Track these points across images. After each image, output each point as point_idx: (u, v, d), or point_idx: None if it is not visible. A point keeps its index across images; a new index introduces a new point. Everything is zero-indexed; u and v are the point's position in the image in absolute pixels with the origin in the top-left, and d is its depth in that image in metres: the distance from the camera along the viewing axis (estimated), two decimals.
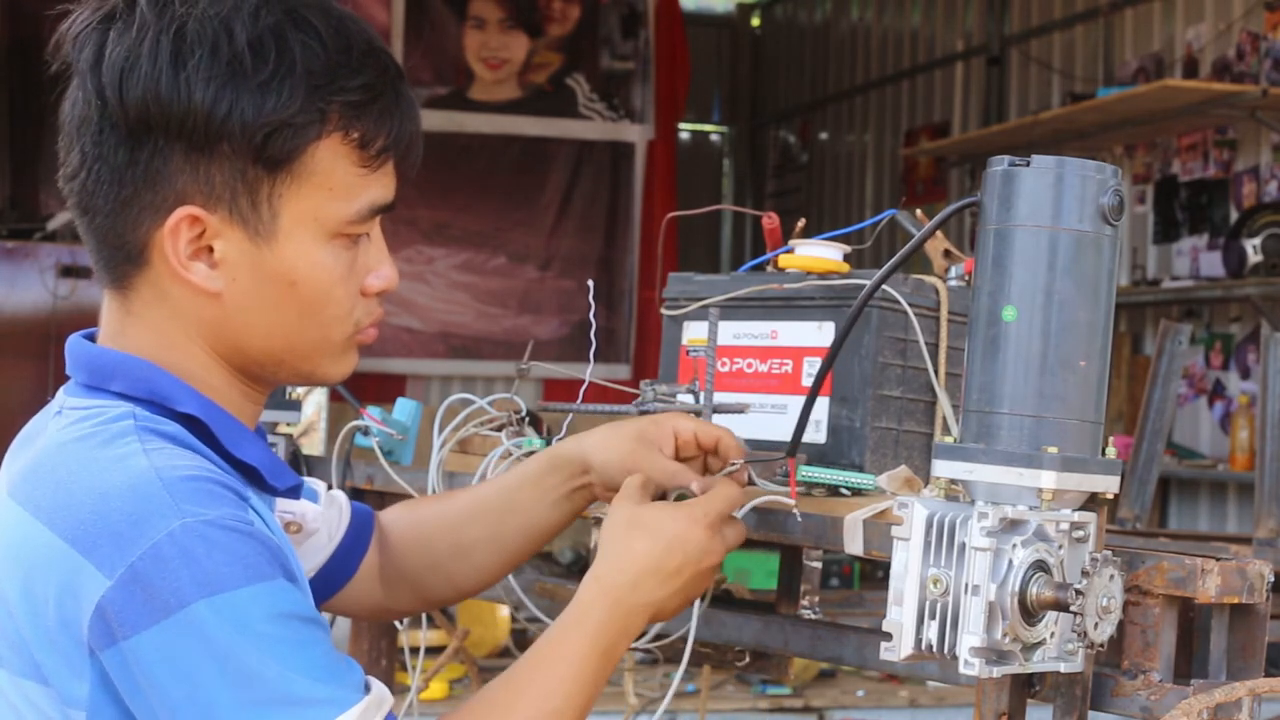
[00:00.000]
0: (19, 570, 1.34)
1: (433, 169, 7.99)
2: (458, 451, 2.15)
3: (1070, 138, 7.18)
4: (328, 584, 1.79)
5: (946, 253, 2.03)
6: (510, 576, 2.03)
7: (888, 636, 1.43)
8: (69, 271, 6.93)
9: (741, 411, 1.88)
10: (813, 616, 2.06)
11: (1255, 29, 6.82)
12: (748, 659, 2.12)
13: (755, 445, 1.83)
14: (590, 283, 2.10)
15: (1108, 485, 1.44)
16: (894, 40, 9.89)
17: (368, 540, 1.82)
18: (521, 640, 2.81)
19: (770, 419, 1.96)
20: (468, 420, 2.13)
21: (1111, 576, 1.42)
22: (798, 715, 5.65)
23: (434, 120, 8.04)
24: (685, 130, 11.40)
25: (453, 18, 8.56)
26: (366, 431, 2.32)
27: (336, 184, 1.42)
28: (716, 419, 1.84)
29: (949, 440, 1.47)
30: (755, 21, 11.91)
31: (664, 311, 2.11)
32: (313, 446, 3.08)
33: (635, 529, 1.56)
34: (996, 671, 1.41)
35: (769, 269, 2.04)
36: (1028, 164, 1.44)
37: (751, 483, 1.74)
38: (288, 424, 2.47)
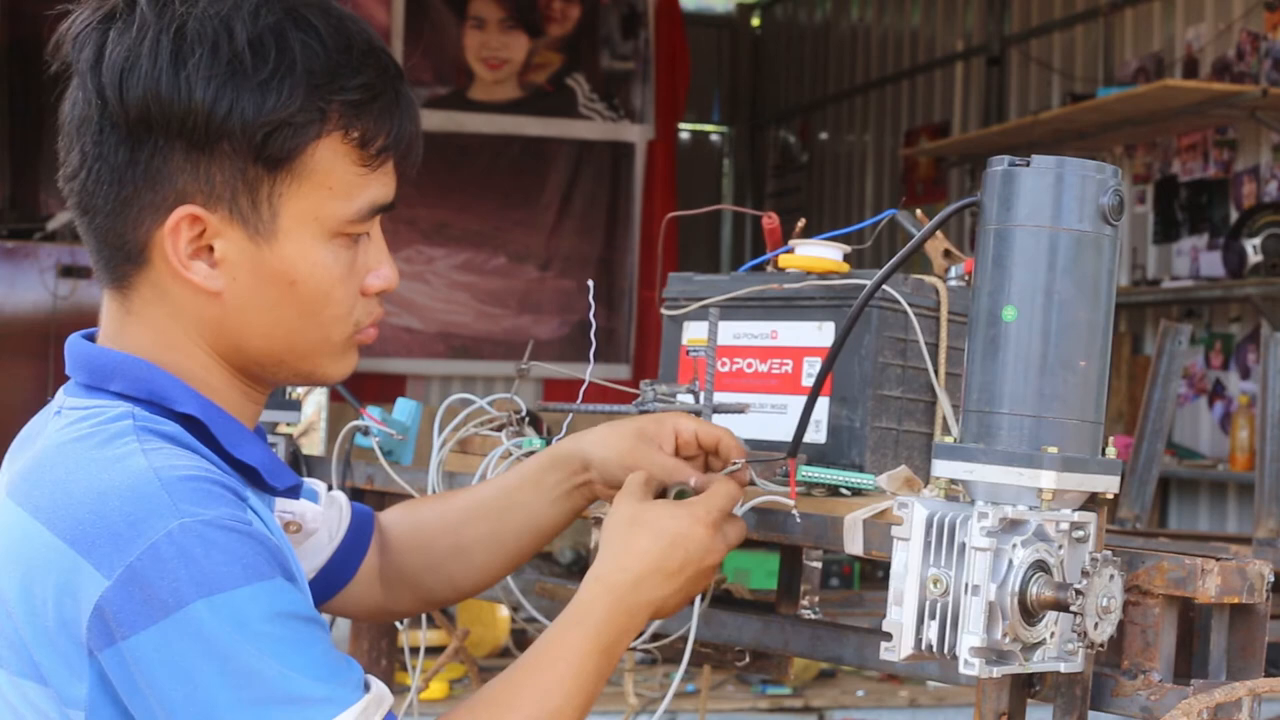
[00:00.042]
0: (18, 570, 1.34)
1: (433, 169, 7.99)
2: (458, 451, 2.15)
3: (1070, 138, 7.18)
4: (328, 585, 1.79)
5: (946, 253, 2.03)
6: (510, 577, 2.02)
7: (888, 636, 1.43)
8: (69, 271, 6.94)
9: (741, 411, 1.88)
10: (813, 616, 2.06)
11: (1255, 29, 6.83)
12: (748, 659, 2.12)
13: (755, 445, 1.83)
14: (590, 283, 2.10)
15: (1108, 485, 1.44)
16: (894, 40, 9.89)
17: (368, 541, 1.82)
18: (521, 640, 2.81)
19: (770, 419, 1.96)
20: (468, 420, 2.13)
21: (1111, 576, 1.42)
22: (798, 715, 5.65)
23: (434, 120, 8.05)
24: (685, 130, 11.41)
25: (453, 18, 8.56)
26: (366, 431, 2.32)
27: (336, 183, 1.42)
28: (716, 419, 1.84)
29: (949, 440, 1.47)
30: (755, 21, 11.92)
31: (664, 311, 2.11)
32: (313, 446, 3.08)
33: (637, 527, 1.57)
34: (996, 671, 1.41)
35: (769, 269, 2.04)
36: (1028, 164, 1.44)
37: (752, 483, 1.74)
38: (288, 424, 2.47)
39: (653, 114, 8.84)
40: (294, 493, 1.54)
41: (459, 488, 2.02)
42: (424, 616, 2.20)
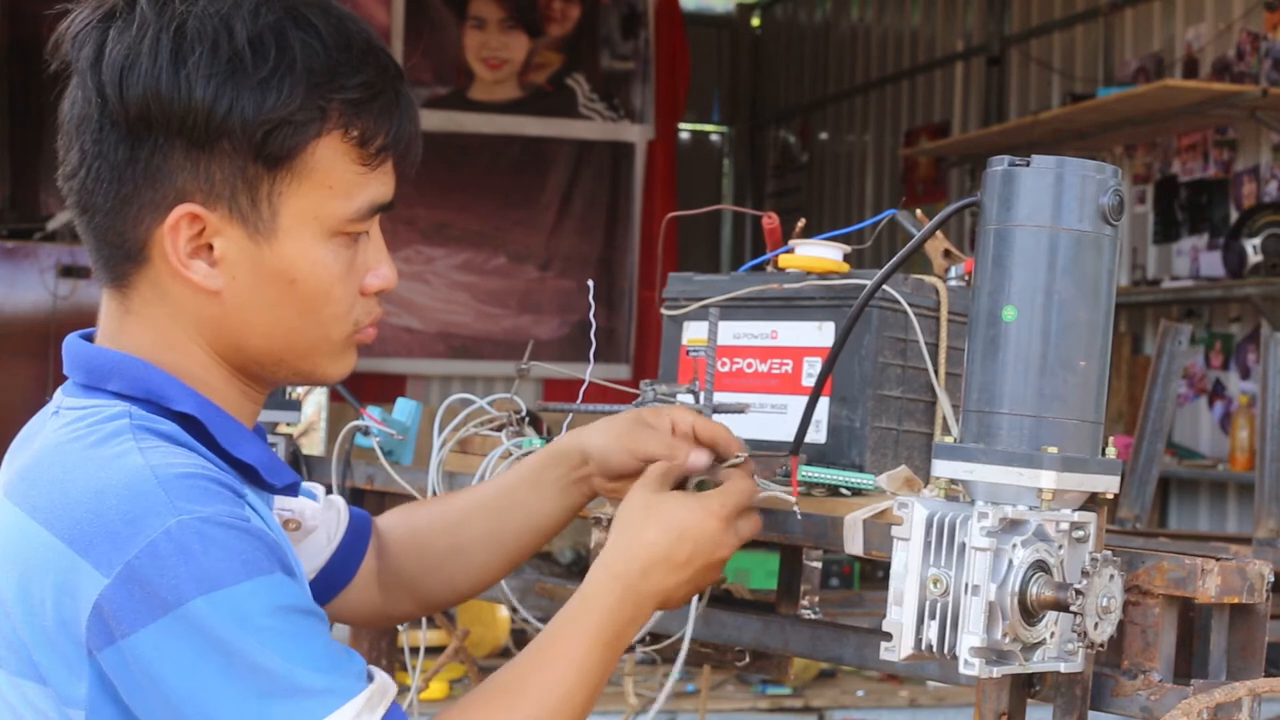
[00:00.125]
0: (16, 570, 1.34)
1: (432, 169, 7.99)
2: (458, 451, 2.15)
3: (1070, 138, 7.18)
4: (328, 586, 1.79)
5: (946, 253, 2.03)
6: (509, 579, 2.02)
7: (888, 636, 1.43)
8: (69, 271, 6.94)
9: (741, 411, 1.88)
10: (813, 616, 2.06)
11: (1255, 29, 6.83)
12: (747, 659, 2.12)
13: (755, 445, 1.83)
14: (590, 283, 2.10)
15: (1108, 485, 1.44)
16: (894, 40, 9.89)
17: (365, 543, 1.81)
18: (521, 640, 2.81)
19: (770, 419, 1.96)
20: (468, 420, 2.13)
21: (1111, 576, 1.42)
22: (798, 715, 5.65)
23: (434, 120, 8.05)
24: (685, 130, 11.41)
25: (453, 18, 8.56)
26: (366, 431, 2.32)
27: (336, 182, 1.42)
28: (716, 419, 1.84)
29: (949, 440, 1.47)
30: (755, 21, 11.92)
31: (664, 311, 2.11)
32: (313, 446, 3.08)
33: (648, 517, 1.56)
34: (996, 671, 1.41)
35: (769, 269, 2.04)
36: (1028, 164, 1.44)
37: None
38: (288, 424, 2.47)
39: (653, 114, 8.84)
40: (292, 490, 1.54)
41: (457, 489, 2.01)
42: (424, 617, 2.20)
